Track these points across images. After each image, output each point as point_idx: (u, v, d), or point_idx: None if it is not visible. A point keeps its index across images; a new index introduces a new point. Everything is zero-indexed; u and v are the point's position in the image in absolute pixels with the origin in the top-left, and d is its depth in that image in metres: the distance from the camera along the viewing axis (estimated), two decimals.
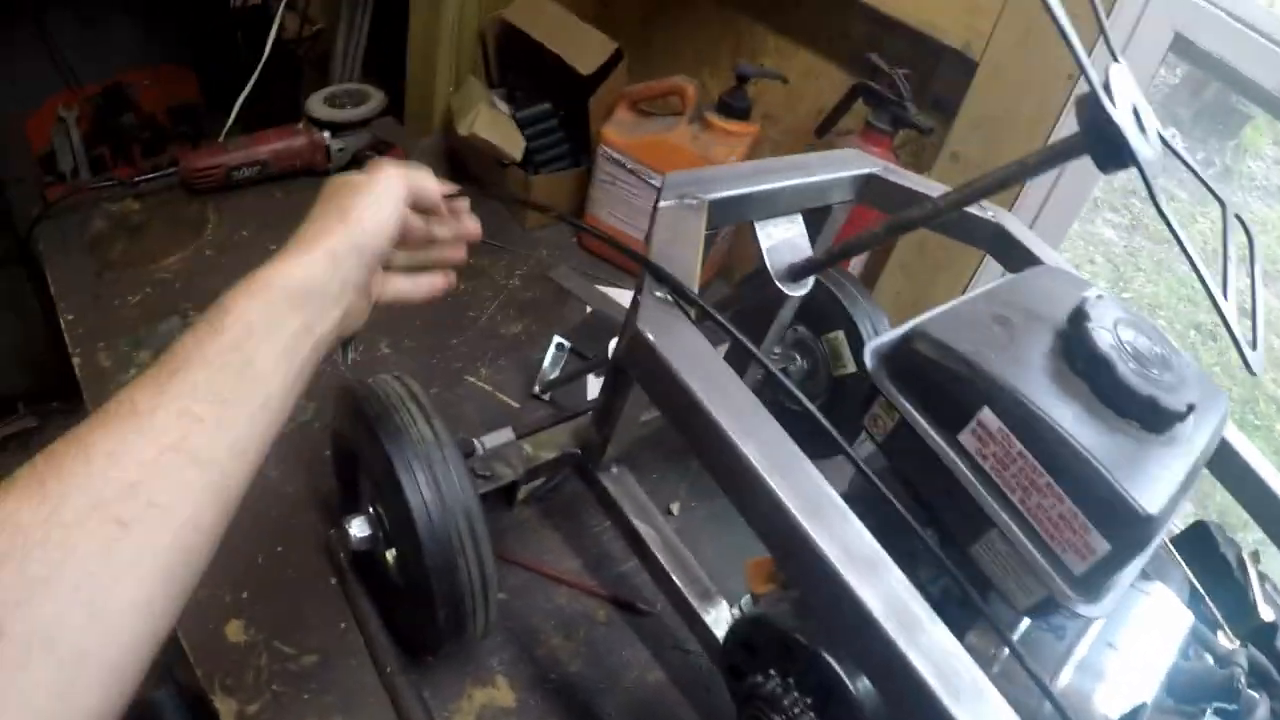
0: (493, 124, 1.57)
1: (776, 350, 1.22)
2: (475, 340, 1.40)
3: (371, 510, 0.93)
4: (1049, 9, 0.53)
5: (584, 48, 1.57)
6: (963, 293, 1.37)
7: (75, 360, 1.26)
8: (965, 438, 0.63)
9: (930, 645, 0.54)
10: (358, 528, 0.93)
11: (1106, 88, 0.57)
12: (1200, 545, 1.00)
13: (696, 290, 0.70)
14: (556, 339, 1.36)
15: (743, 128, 1.44)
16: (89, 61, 1.90)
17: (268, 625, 1.00)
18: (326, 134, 1.61)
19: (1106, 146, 0.57)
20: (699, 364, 0.65)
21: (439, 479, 0.84)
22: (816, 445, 0.65)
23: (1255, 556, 1.01)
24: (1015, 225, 0.97)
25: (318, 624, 1.01)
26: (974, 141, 1.32)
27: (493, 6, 1.74)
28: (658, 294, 0.68)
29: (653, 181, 1.48)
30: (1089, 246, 4.04)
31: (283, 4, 1.77)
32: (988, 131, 1.30)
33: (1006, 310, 0.70)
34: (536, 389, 1.32)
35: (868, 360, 0.68)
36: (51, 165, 1.91)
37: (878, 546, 0.59)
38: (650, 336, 0.65)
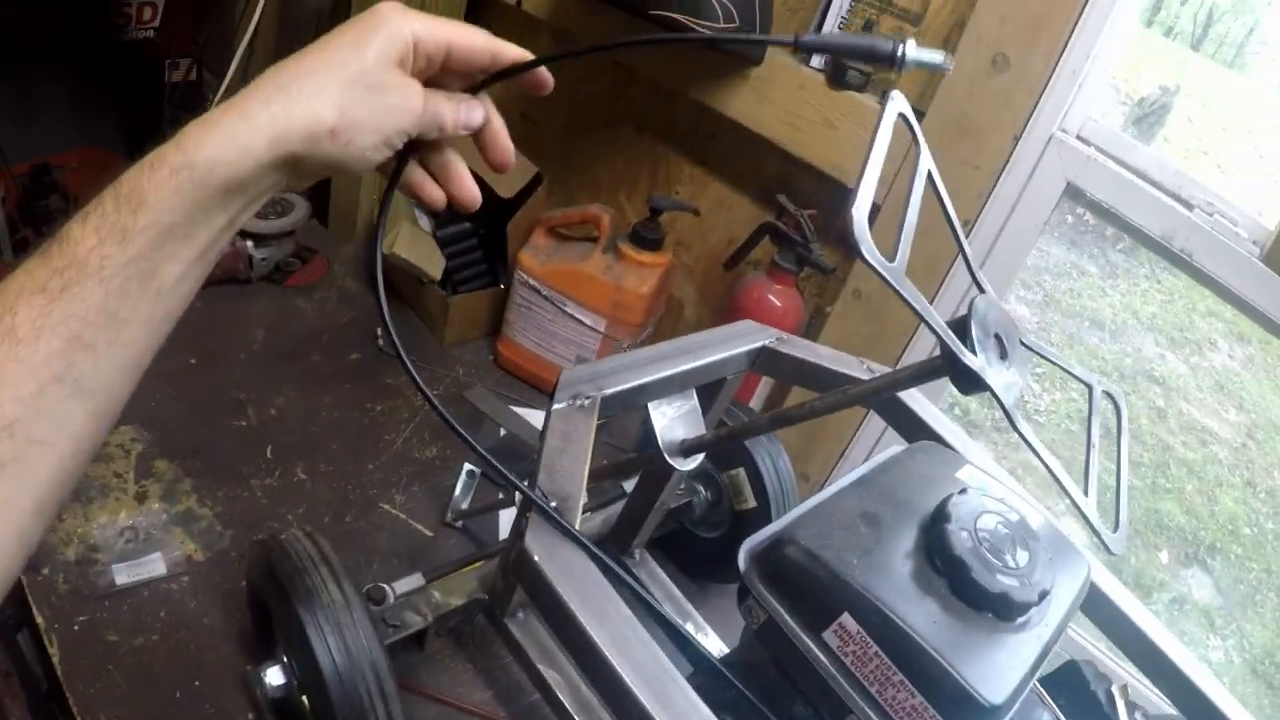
0: (413, 243, 1.62)
1: (681, 485, 1.28)
2: (389, 465, 1.44)
3: (285, 660, 0.96)
4: (905, 300, 0.60)
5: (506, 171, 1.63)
6: (859, 427, 1.45)
7: None
8: (828, 635, 0.69)
9: None
10: (273, 676, 0.96)
11: (965, 328, 0.64)
12: (1071, 684, 1.07)
13: (583, 500, 0.75)
14: (467, 467, 1.40)
15: (655, 259, 1.51)
16: (16, 141, 1.91)
17: None
18: (250, 243, 1.65)
19: (965, 382, 0.64)
20: (581, 586, 0.70)
21: (347, 640, 0.88)
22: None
23: (1124, 690, 1.08)
24: (907, 394, 1.05)
25: None
26: (875, 280, 1.39)
27: None
28: (547, 507, 0.73)
29: (567, 309, 1.54)
30: None
31: (221, 90, 1.80)
32: None
33: (877, 504, 0.76)
34: (449, 517, 1.35)
35: (741, 561, 0.74)
36: None
37: None
38: (536, 558, 0.70)
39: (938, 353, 0.66)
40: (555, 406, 0.82)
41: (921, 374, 0.72)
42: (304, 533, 0.97)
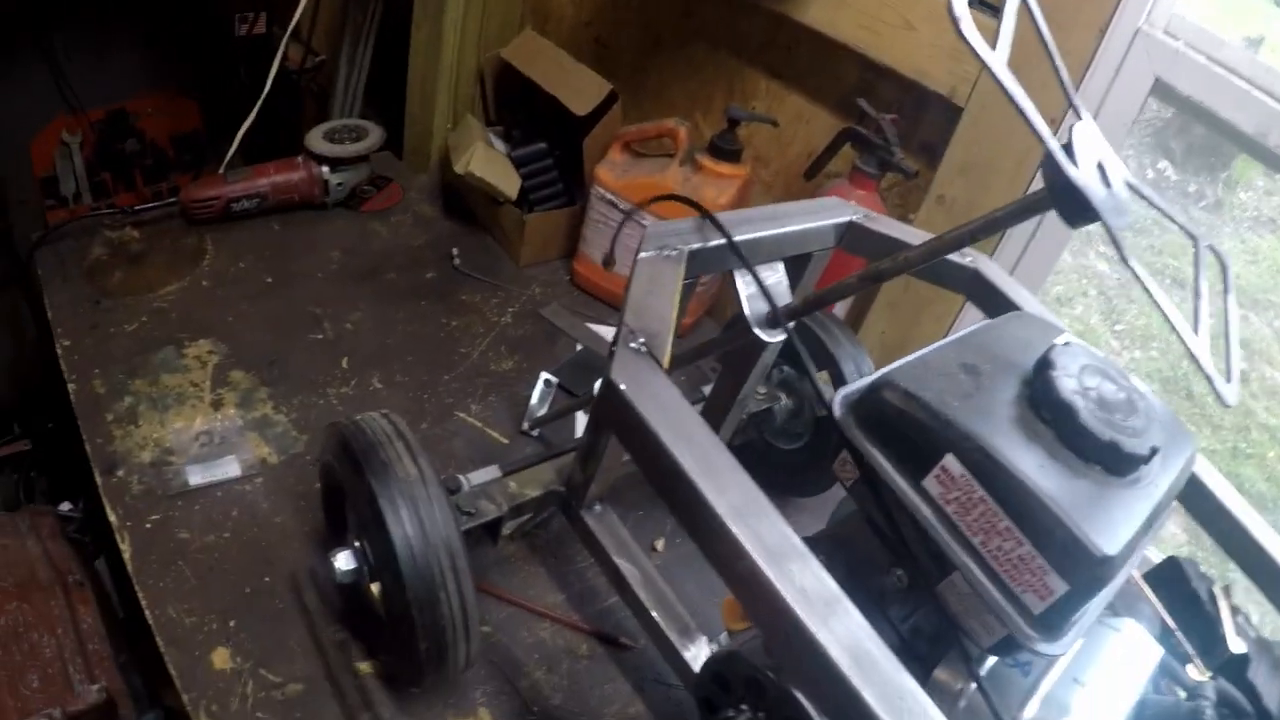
0: (488, 163, 1.59)
1: (761, 390, 1.24)
2: (466, 376, 1.43)
3: (357, 544, 0.94)
4: (1006, 92, 0.55)
5: (579, 89, 1.60)
6: (947, 332, 1.40)
7: (70, 386, 1.28)
8: (929, 483, 0.65)
9: (884, 683, 0.56)
10: (343, 561, 0.95)
11: (1069, 149, 0.59)
12: (1172, 580, 1.01)
13: (671, 340, 0.72)
14: (544, 376, 1.38)
15: (733, 170, 1.47)
16: (94, 86, 1.94)
17: (254, 653, 1.02)
18: (325, 168, 1.64)
19: (1070, 204, 0.60)
20: (669, 414, 0.67)
21: (422, 515, 0.86)
22: (803, 484, 0.67)
23: (1227, 590, 1.02)
24: (993, 270, 1.00)
25: (302, 653, 1.03)
26: (959, 185, 1.34)
27: (490, 46, 1.78)
28: (632, 345, 0.70)
29: (644, 222, 1.50)
30: (1082, 280, 4.08)
31: (287, 35, 1.80)
32: (972, 176, 1.33)
33: (976, 358, 0.72)
34: (525, 425, 1.33)
35: (835, 409, 0.70)
36: (54, 189, 1.95)
37: (837, 589, 0.61)
38: (623, 386, 0.67)
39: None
40: (642, 255, 0.79)
41: (1025, 209, 0.67)
42: (380, 414, 0.96)
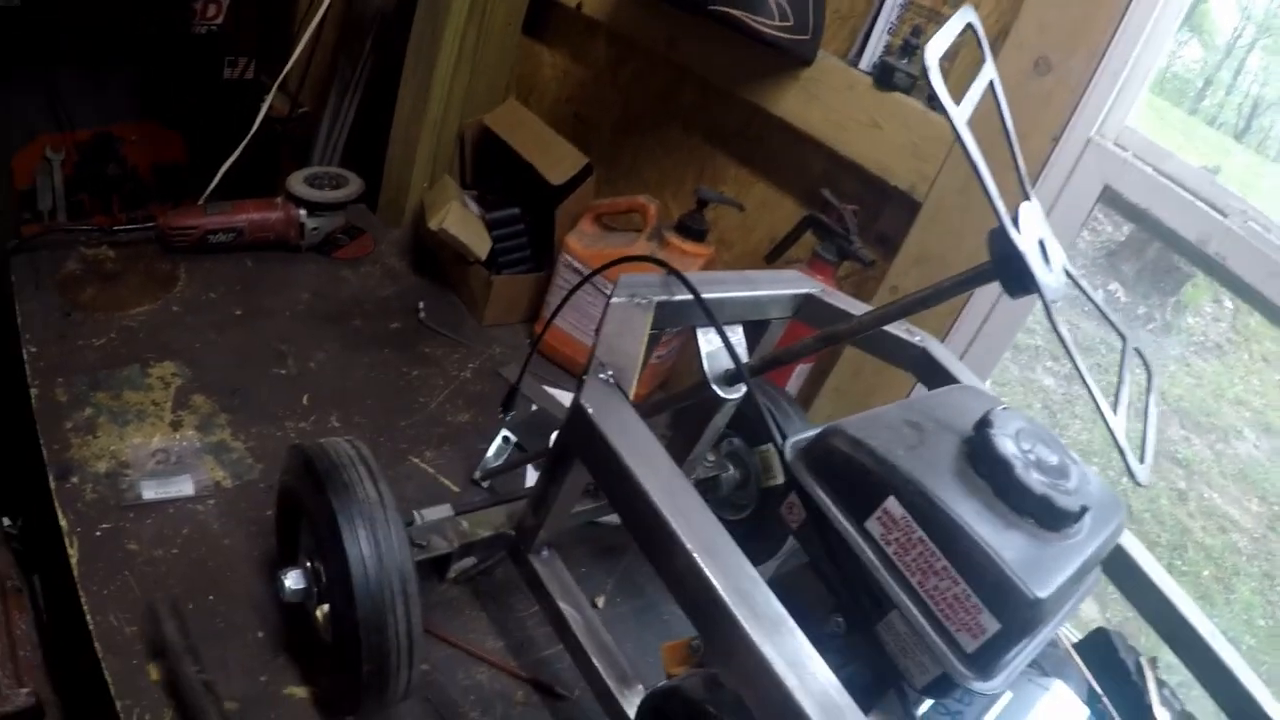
0: (462, 222, 1.65)
1: (710, 458, 1.28)
2: (423, 425, 1.45)
3: (309, 564, 0.96)
4: (961, 144, 0.61)
5: (556, 159, 1.66)
6: None
7: (32, 391, 1.29)
8: (871, 524, 0.69)
9: (827, 702, 0.59)
10: (292, 580, 0.96)
11: (1015, 221, 0.65)
12: (1100, 650, 1.06)
13: (637, 377, 0.76)
14: (504, 432, 1.41)
15: (698, 249, 1.53)
16: (83, 107, 1.97)
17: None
18: (303, 211, 1.68)
19: (1011, 273, 0.65)
20: (632, 439, 0.71)
21: (379, 538, 0.88)
22: (746, 555, 0.71)
23: (1153, 662, 1.07)
24: (940, 350, 1.06)
25: (240, 673, 1.03)
26: (913, 276, 1.41)
27: (474, 111, 1.84)
28: (601, 376, 0.74)
29: (608, 292, 1.55)
30: (1028, 394, 4.20)
31: (274, 87, 1.85)
32: (926, 268, 1.40)
33: (920, 418, 0.77)
34: (477, 475, 1.36)
35: (787, 451, 0.74)
36: (31, 202, 1.96)
37: (784, 612, 0.65)
38: (591, 411, 0.71)
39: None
40: (615, 300, 0.83)
41: (970, 279, 0.73)
42: (345, 439, 0.98)
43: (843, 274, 1.49)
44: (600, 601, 1.28)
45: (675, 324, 0.92)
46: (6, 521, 1.64)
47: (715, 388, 0.93)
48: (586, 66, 1.84)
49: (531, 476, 1.40)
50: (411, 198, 1.88)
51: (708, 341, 0.93)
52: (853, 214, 1.41)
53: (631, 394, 0.74)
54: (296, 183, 1.68)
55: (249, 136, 1.79)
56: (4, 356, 1.40)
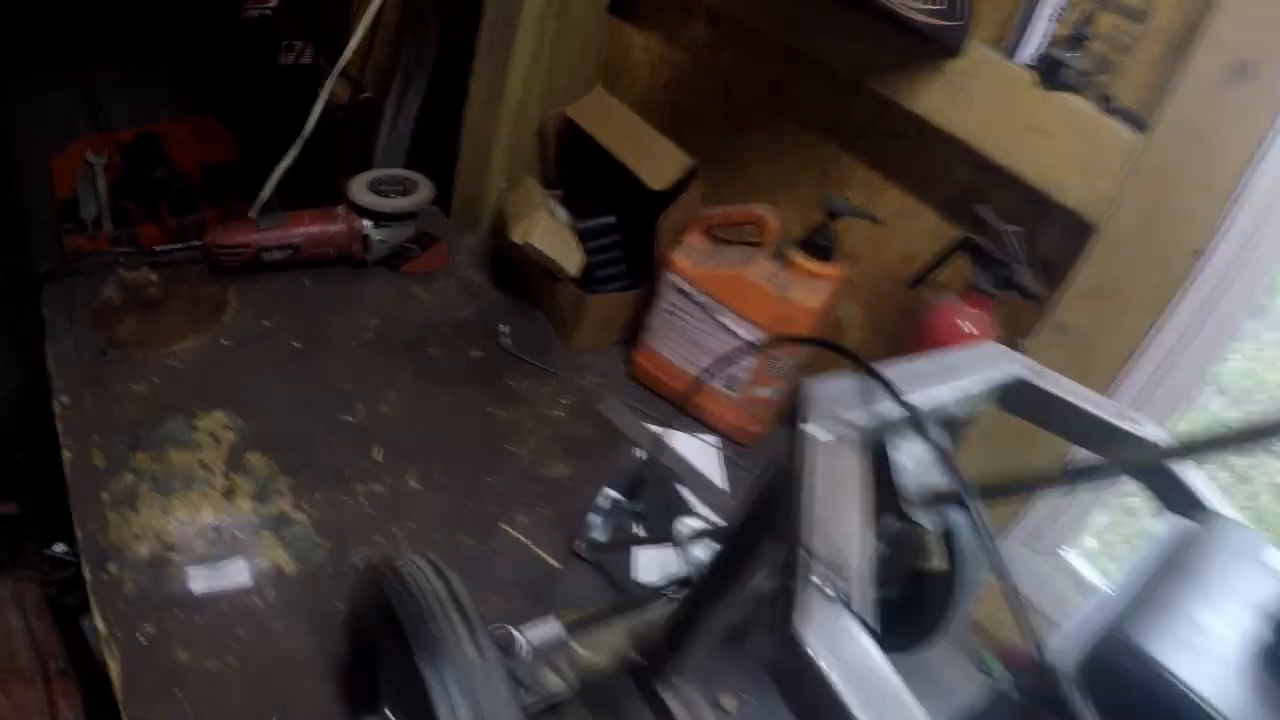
0: (551, 234, 1.44)
1: None
2: (513, 480, 1.26)
3: (391, 717, 0.78)
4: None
5: (656, 160, 1.45)
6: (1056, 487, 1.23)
7: (65, 454, 1.12)
8: None
9: None
10: None
11: None
12: None
13: (869, 574, 0.54)
14: (608, 492, 1.21)
15: (826, 269, 1.31)
16: (124, 105, 1.79)
17: None
18: (367, 222, 1.49)
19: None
20: (877, 698, 0.49)
21: (482, 706, 0.69)
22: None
23: None
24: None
25: None
26: (1085, 314, 1.19)
27: (556, 102, 1.63)
28: (818, 582, 0.52)
29: (721, 319, 1.35)
30: None
31: (337, 69, 1.65)
32: (1102, 305, 1.17)
33: (1199, 603, 0.56)
34: (580, 548, 1.16)
35: (1054, 661, 0.53)
36: (73, 212, 1.80)
37: None
38: (813, 652, 0.49)
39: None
40: (816, 436, 0.61)
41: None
42: (429, 564, 0.79)
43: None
44: (729, 703, 1.09)
45: (873, 446, 0.70)
46: (61, 548, 1.50)
47: (911, 512, 0.72)
48: (682, 49, 1.61)
49: (646, 559, 1.20)
50: (488, 201, 1.68)
51: (907, 456, 0.71)
52: (1017, 237, 1.18)
53: (869, 609, 0.52)
54: (359, 189, 1.48)
55: (309, 127, 1.60)
56: (36, 400, 1.24)
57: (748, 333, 1.34)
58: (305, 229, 1.45)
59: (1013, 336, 1.28)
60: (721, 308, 1.34)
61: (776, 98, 1.49)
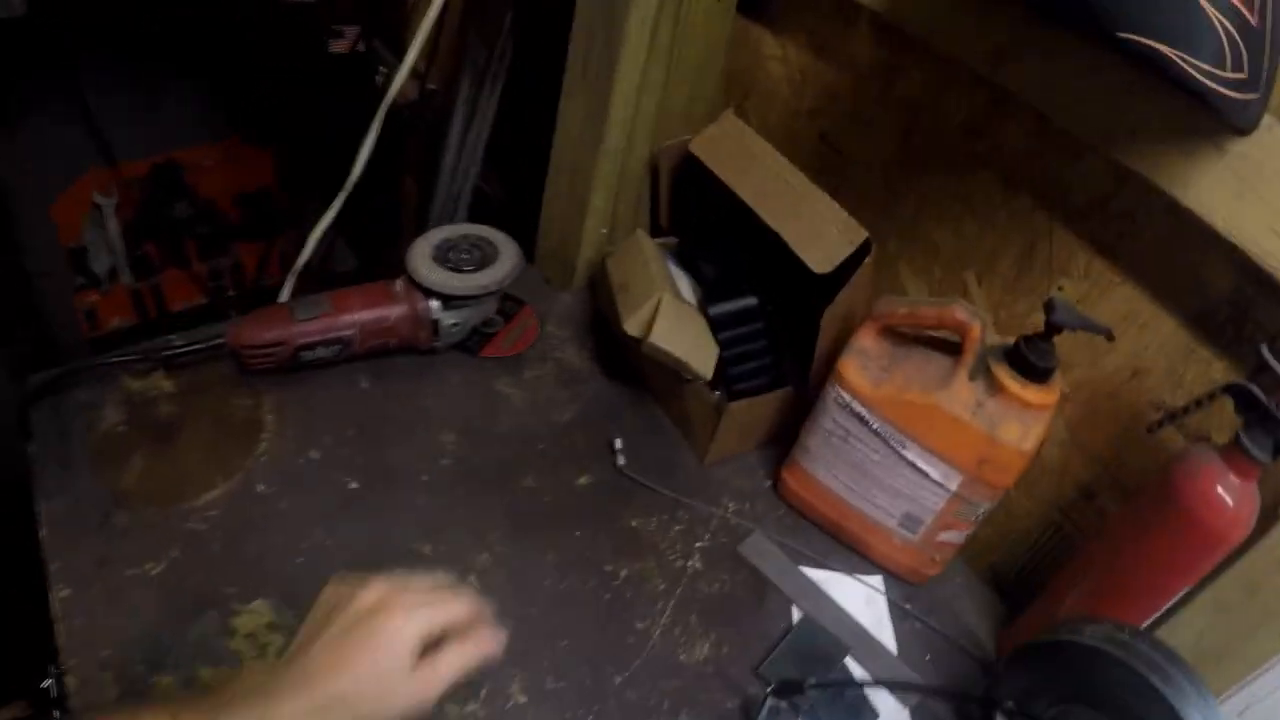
0: (677, 326, 1.12)
1: None
2: (645, 676, 0.97)
3: None
4: None
5: (813, 227, 1.11)
6: None
7: (70, 680, 0.84)
8: None
9: None
10: None
11: None
12: None
13: None
14: (769, 699, 0.91)
15: (1044, 396, 0.98)
16: (135, 133, 1.49)
17: None
18: (435, 303, 1.16)
19: None
20: None
21: None
22: None
23: None
24: None
25: None
26: None
27: (672, 129, 1.30)
28: None
29: (907, 454, 1.03)
30: None
31: (406, 67, 1.32)
32: None
33: None
34: None
35: None
36: (83, 262, 1.50)
37: None
38: None
39: None
40: None
41: None
42: None
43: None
44: None
45: None
46: (49, 682, 1.22)
47: None
48: (839, 68, 1.24)
49: None
50: (584, 252, 1.34)
51: None
52: None
53: None
54: (422, 261, 1.15)
55: (373, 133, 1.28)
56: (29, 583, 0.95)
57: (939, 473, 1.02)
58: (356, 316, 1.13)
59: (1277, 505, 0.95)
60: (907, 440, 1.02)
61: (971, 145, 1.12)
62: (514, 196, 1.39)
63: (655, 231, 1.37)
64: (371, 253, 1.76)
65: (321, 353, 1.13)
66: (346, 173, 1.35)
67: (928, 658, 1.09)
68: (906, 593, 1.15)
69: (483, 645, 0.72)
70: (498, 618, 0.76)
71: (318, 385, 1.15)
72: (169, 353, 1.10)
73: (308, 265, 1.42)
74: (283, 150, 1.64)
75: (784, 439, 1.22)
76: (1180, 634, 1.01)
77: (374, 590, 0.70)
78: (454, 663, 0.70)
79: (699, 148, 1.24)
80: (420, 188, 1.56)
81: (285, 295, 1.44)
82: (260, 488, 1.03)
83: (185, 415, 1.08)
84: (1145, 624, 0.98)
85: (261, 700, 0.63)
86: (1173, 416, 0.96)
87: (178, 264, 1.58)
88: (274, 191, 1.65)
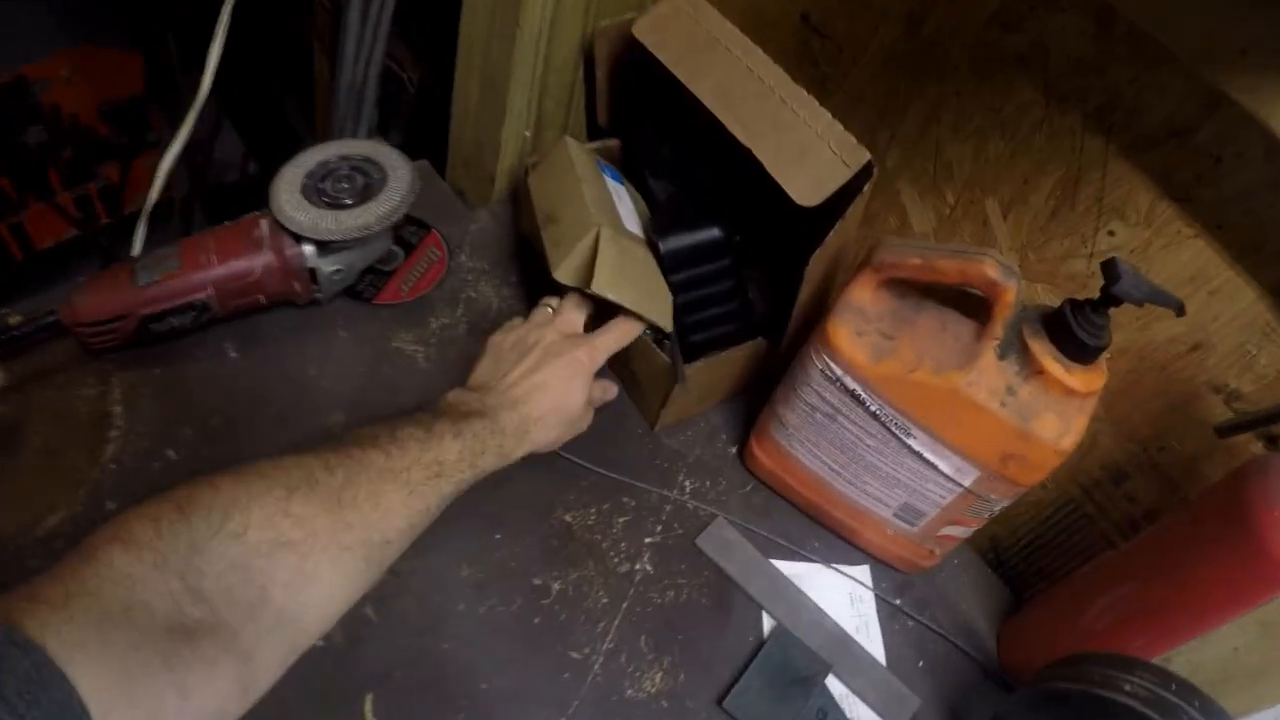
0: (620, 268, 0.89)
1: None
2: (585, 718, 0.80)
3: None
4: None
5: (797, 142, 0.87)
6: None
7: None
8: None
9: None
10: None
11: None
12: None
13: None
14: None
15: (1089, 381, 0.78)
16: None
17: None
18: (309, 248, 0.92)
19: None
20: None
21: None
22: None
23: None
24: None
25: None
26: None
27: (609, 7, 1.02)
28: None
29: (913, 443, 0.83)
30: None
31: None
32: None
33: None
34: None
35: None
36: None
37: None
38: None
39: None
40: None
41: None
42: None
43: None
44: None
45: None
46: None
47: None
48: None
49: None
50: (505, 159, 1.08)
51: None
52: None
53: None
54: (288, 198, 0.89)
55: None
56: None
57: (951, 466, 0.83)
58: (210, 273, 0.87)
59: None
60: (913, 427, 0.83)
61: (1004, 41, 0.87)
62: (431, 79, 1.11)
63: (593, 132, 1.12)
64: (275, 151, 1.49)
65: (174, 322, 0.88)
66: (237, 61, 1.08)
67: (921, 664, 0.94)
68: (897, 584, 0.98)
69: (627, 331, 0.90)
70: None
71: (176, 359, 0.91)
72: (5, 332, 0.85)
73: (203, 180, 1.17)
74: (153, 49, 1.35)
75: (753, 389, 1.02)
76: (1212, 647, 0.86)
77: (536, 329, 0.88)
78: (609, 343, 0.89)
79: (643, 31, 0.97)
80: (331, 66, 1.28)
81: (139, 243, 1.19)
82: (110, 505, 0.81)
83: (26, 415, 0.84)
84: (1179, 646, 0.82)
85: (489, 416, 0.77)
86: (1254, 423, 0.77)
87: (40, 196, 1.33)
88: (142, 99, 1.38)
